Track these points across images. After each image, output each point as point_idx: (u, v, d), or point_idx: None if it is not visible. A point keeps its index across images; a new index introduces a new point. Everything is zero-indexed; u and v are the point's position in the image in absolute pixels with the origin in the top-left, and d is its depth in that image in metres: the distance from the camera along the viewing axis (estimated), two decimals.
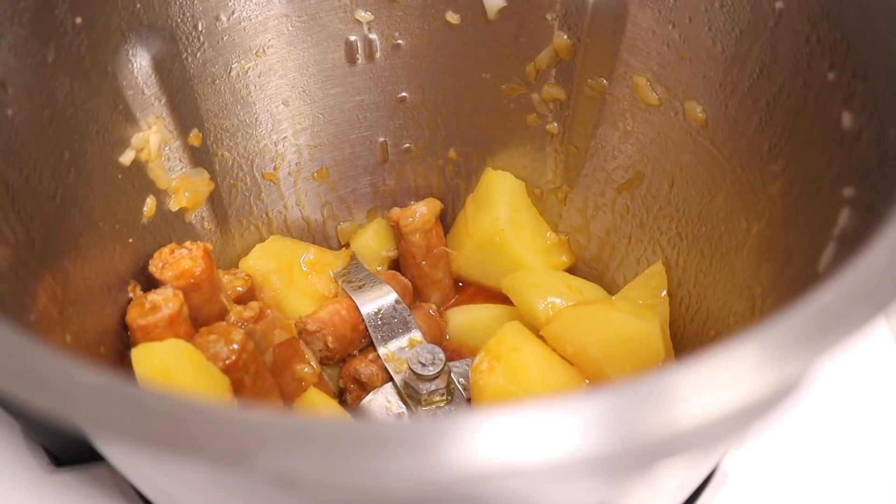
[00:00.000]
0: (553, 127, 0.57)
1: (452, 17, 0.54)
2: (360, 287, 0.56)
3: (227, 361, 0.45)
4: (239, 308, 0.51)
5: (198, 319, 0.49)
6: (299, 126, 0.58)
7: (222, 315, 0.51)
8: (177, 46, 0.49)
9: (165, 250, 0.50)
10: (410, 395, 0.51)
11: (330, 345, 0.52)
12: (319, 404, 0.49)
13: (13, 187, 0.38)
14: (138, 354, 0.43)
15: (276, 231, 0.60)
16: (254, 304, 0.52)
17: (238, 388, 0.45)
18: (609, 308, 0.49)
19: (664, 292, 0.52)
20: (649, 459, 0.24)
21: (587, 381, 0.49)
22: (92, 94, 0.45)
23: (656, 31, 0.48)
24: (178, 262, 0.49)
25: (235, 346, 0.46)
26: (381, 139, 0.60)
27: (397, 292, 0.55)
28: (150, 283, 0.50)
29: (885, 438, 0.45)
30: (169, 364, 0.42)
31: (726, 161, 0.47)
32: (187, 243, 0.50)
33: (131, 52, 0.47)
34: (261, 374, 0.47)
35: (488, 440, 0.20)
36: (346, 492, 0.21)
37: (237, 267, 0.58)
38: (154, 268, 0.49)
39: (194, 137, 0.53)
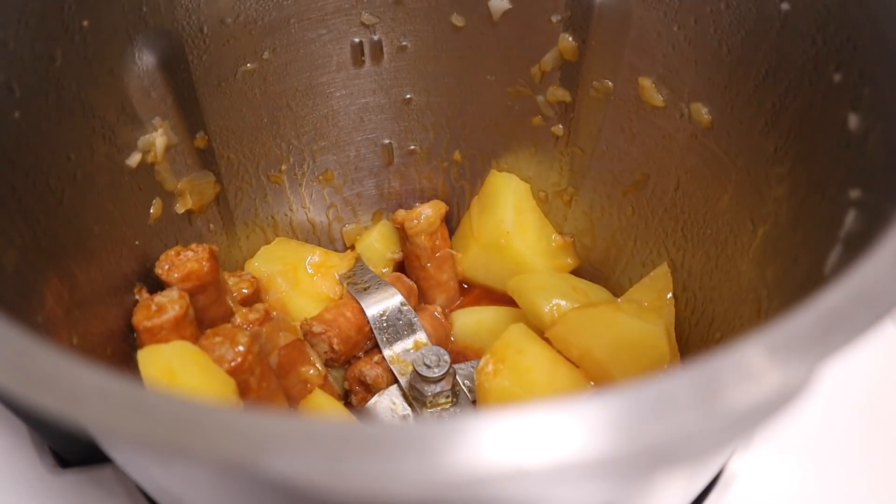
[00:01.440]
0: (558, 129, 0.57)
1: (457, 20, 0.54)
2: (365, 289, 0.56)
3: (233, 363, 0.45)
4: (244, 310, 0.51)
5: (203, 321, 0.49)
6: (304, 128, 0.58)
7: (228, 317, 0.51)
8: (182, 49, 0.50)
9: (171, 252, 0.50)
10: (415, 398, 0.51)
11: (335, 347, 0.52)
12: (325, 406, 0.49)
13: (20, 190, 0.38)
14: (144, 356, 0.43)
15: (282, 233, 0.60)
16: (259, 306, 0.52)
17: (243, 391, 0.45)
18: (614, 310, 0.49)
19: (669, 294, 0.52)
20: (656, 461, 0.24)
21: (592, 383, 0.49)
22: (98, 97, 0.45)
23: (662, 32, 0.48)
24: (183, 263, 0.49)
25: (241, 349, 0.46)
26: (387, 141, 0.61)
27: (402, 294, 0.55)
28: (156, 286, 0.50)
29: (891, 441, 0.45)
30: (175, 366, 0.43)
31: (732, 163, 0.47)
32: (193, 245, 0.51)
33: (137, 54, 0.47)
34: (266, 377, 0.47)
35: (494, 442, 0.20)
36: (351, 494, 0.21)
37: (242, 269, 0.58)
38: (160, 270, 0.49)
39: (200, 140, 0.53)
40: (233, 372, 0.45)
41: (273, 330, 0.51)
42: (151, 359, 0.43)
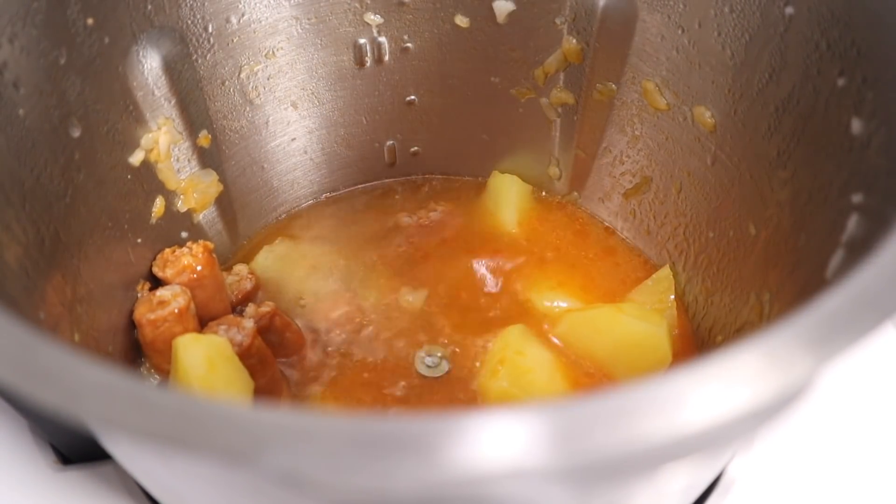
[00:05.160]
0: (561, 131, 0.57)
1: (461, 21, 0.55)
2: None
3: (242, 345, 0.46)
4: (253, 305, 0.52)
5: (203, 318, 0.49)
6: (308, 128, 0.58)
7: (227, 313, 0.51)
8: (187, 48, 0.50)
9: (167, 251, 0.51)
10: None
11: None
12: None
13: (24, 186, 0.39)
14: (184, 343, 0.44)
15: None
16: (269, 302, 0.52)
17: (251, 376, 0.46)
18: (616, 312, 0.49)
19: (671, 297, 0.52)
20: (654, 463, 0.24)
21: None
22: (102, 95, 0.45)
23: (665, 35, 0.48)
24: (178, 259, 0.50)
25: (247, 331, 0.47)
26: (390, 142, 0.61)
27: None
28: (159, 284, 0.50)
29: (892, 445, 0.45)
30: (213, 357, 0.43)
31: (735, 167, 0.47)
32: (188, 243, 0.51)
33: (142, 53, 0.47)
34: (271, 365, 0.48)
35: (493, 441, 0.20)
36: (350, 491, 0.21)
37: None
38: (156, 268, 0.50)
39: (203, 138, 0.53)
40: (241, 355, 0.45)
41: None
42: (193, 347, 0.44)
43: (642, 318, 0.49)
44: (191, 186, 0.53)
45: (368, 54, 0.56)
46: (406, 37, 0.56)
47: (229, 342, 0.46)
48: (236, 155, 0.56)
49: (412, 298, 0.57)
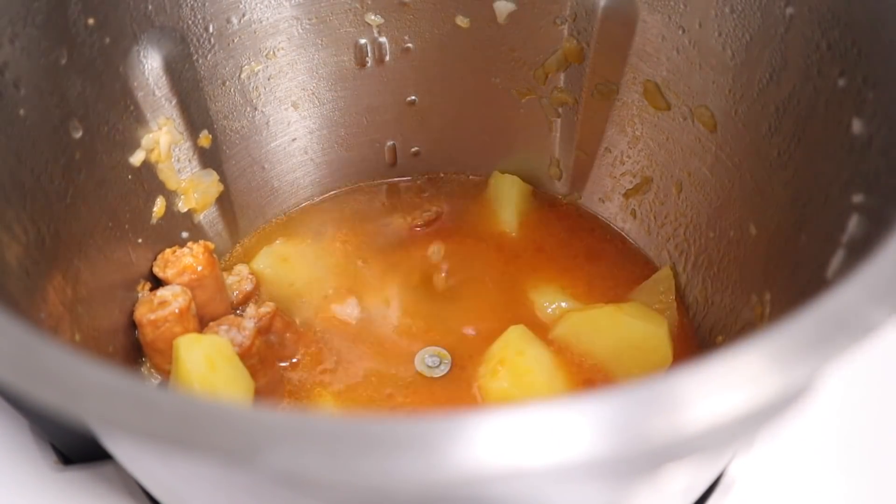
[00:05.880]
0: (561, 131, 0.57)
1: (462, 21, 0.55)
2: None
3: (243, 345, 0.46)
4: (254, 305, 0.52)
5: (204, 318, 0.49)
6: (308, 128, 0.58)
7: (228, 313, 0.51)
8: (188, 48, 0.50)
9: (168, 251, 0.51)
10: None
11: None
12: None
13: (25, 186, 0.39)
14: (185, 343, 0.44)
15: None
16: (270, 302, 0.52)
17: (251, 376, 0.46)
18: (617, 312, 0.49)
19: (672, 297, 0.52)
20: (654, 463, 0.24)
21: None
22: (103, 95, 0.45)
23: (666, 36, 0.48)
24: (179, 259, 0.50)
25: (248, 331, 0.47)
26: (391, 143, 0.61)
27: None
28: (160, 285, 0.50)
29: (893, 445, 0.45)
30: (214, 357, 0.43)
31: (735, 167, 0.47)
32: (189, 243, 0.51)
33: (143, 53, 0.47)
34: (271, 365, 0.48)
35: (494, 441, 0.20)
36: (349, 491, 0.21)
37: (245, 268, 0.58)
38: (157, 268, 0.50)
39: (204, 139, 0.53)
40: (242, 356, 0.45)
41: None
42: (194, 347, 0.44)
43: (643, 319, 0.49)
44: (191, 187, 0.53)
45: (369, 54, 0.56)
46: (407, 37, 0.56)
47: (230, 342, 0.46)
48: (237, 155, 0.56)
49: (412, 298, 0.57)
